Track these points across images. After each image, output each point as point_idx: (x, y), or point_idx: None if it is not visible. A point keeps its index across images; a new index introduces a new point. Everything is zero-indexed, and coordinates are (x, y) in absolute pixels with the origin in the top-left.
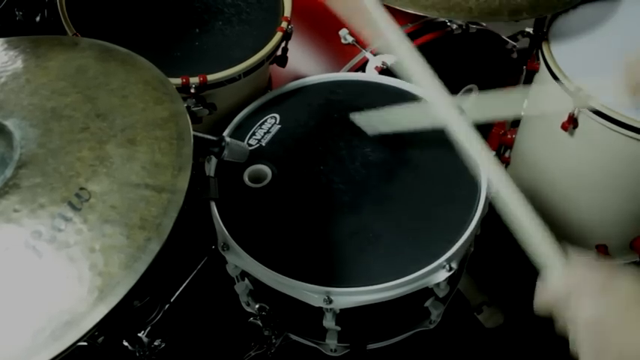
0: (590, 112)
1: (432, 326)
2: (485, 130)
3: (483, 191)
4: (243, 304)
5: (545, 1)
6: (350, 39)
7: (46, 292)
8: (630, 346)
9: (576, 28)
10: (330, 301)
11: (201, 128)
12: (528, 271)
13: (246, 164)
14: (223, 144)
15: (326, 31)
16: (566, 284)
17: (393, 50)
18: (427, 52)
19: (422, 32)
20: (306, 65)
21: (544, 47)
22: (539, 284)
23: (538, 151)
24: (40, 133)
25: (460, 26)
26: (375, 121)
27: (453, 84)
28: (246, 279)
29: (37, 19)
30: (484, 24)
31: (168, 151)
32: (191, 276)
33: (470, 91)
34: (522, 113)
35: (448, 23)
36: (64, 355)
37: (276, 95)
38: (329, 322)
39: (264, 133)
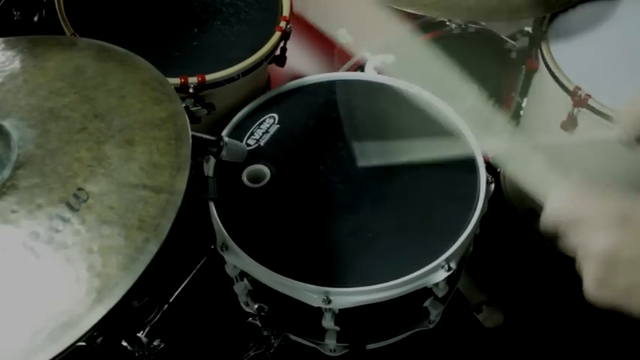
0: (590, 112)
1: (431, 326)
2: None
3: (483, 190)
4: (242, 305)
5: (545, 1)
6: (349, 38)
7: (44, 294)
8: (638, 284)
9: (576, 28)
10: (329, 301)
11: (200, 128)
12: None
13: (244, 164)
14: (222, 144)
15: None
16: (579, 208)
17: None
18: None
19: (421, 32)
20: (304, 65)
21: (543, 46)
22: (550, 199)
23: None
24: (38, 133)
25: (459, 26)
26: (372, 152)
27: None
28: (245, 279)
29: (35, 18)
30: (483, 23)
31: (167, 151)
32: (190, 276)
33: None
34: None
35: (447, 23)
36: (63, 356)
37: (275, 95)
38: (328, 322)
39: (263, 133)
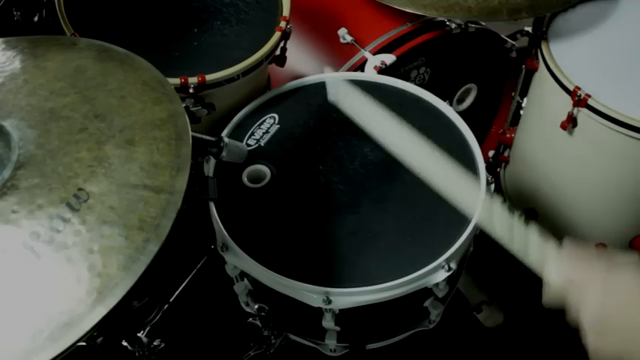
0: (589, 112)
1: (431, 326)
2: (485, 129)
3: (482, 190)
4: (243, 305)
5: (545, 1)
6: (349, 38)
7: (45, 294)
8: (629, 334)
9: (575, 27)
10: (329, 302)
11: (200, 128)
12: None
13: (245, 164)
14: (222, 144)
15: (325, 31)
16: (567, 279)
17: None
18: (426, 51)
19: (421, 32)
20: (304, 65)
21: (543, 46)
22: (544, 283)
23: (537, 150)
24: (39, 133)
25: (459, 25)
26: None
27: (452, 83)
28: (245, 279)
29: (36, 19)
30: (483, 23)
31: (167, 151)
32: (190, 276)
33: (469, 90)
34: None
35: (447, 22)
36: (63, 356)
37: (275, 95)
38: (328, 322)
39: (263, 133)
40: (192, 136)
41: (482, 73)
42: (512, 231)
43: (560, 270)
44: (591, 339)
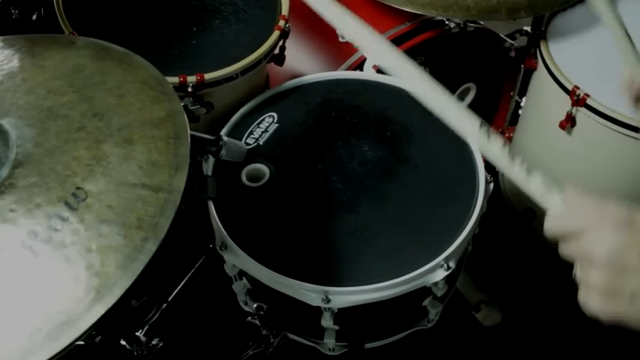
0: (588, 111)
1: (430, 325)
2: None
3: (482, 190)
4: (241, 304)
5: (543, 0)
6: (348, 37)
7: (43, 293)
8: None
9: (574, 27)
10: (328, 301)
11: (199, 127)
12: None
13: (243, 163)
14: (221, 143)
15: (324, 30)
16: (581, 214)
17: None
18: (425, 50)
19: (420, 31)
20: (303, 64)
21: (542, 46)
22: (550, 208)
23: (536, 149)
24: (37, 132)
25: (458, 25)
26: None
27: (451, 83)
28: (244, 278)
29: (34, 17)
30: (482, 22)
31: (165, 150)
32: (189, 275)
33: (467, 90)
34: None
35: (446, 22)
36: (61, 355)
37: (274, 94)
38: (327, 321)
39: (262, 132)
40: (191, 135)
41: (481, 73)
42: (512, 168)
43: (565, 208)
44: (601, 285)
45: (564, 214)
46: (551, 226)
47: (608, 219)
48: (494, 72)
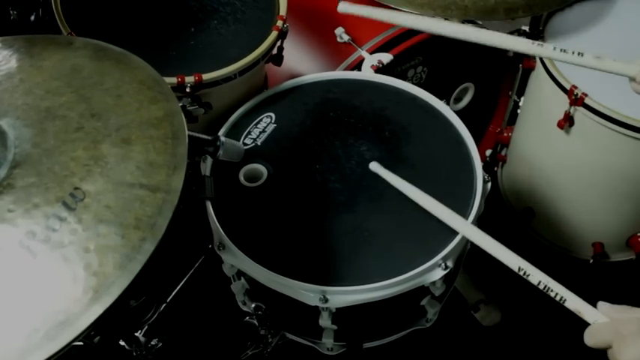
0: (586, 110)
1: (428, 325)
2: (482, 128)
3: (479, 189)
4: (240, 304)
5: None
6: (346, 37)
7: (41, 293)
8: None
9: (572, 27)
10: (326, 300)
11: (197, 127)
12: None
13: (241, 163)
14: (218, 143)
15: (322, 30)
16: (608, 330)
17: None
18: (423, 51)
19: (418, 31)
20: (301, 64)
21: None
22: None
23: (534, 149)
24: (35, 132)
25: None
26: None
27: (449, 82)
28: (242, 278)
29: (32, 18)
30: (480, 22)
31: (163, 150)
32: (187, 275)
33: (466, 89)
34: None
35: None
36: (59, 356)
37: (272, 94)
38: (325, 321)
39: (260, 133)
40: (189, 135)
41: (479, 72)
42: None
43: (604, 323)
44: None
45: (595, 329)
46: (588, 341)
47: (626, 329)
48: (492, 72)
